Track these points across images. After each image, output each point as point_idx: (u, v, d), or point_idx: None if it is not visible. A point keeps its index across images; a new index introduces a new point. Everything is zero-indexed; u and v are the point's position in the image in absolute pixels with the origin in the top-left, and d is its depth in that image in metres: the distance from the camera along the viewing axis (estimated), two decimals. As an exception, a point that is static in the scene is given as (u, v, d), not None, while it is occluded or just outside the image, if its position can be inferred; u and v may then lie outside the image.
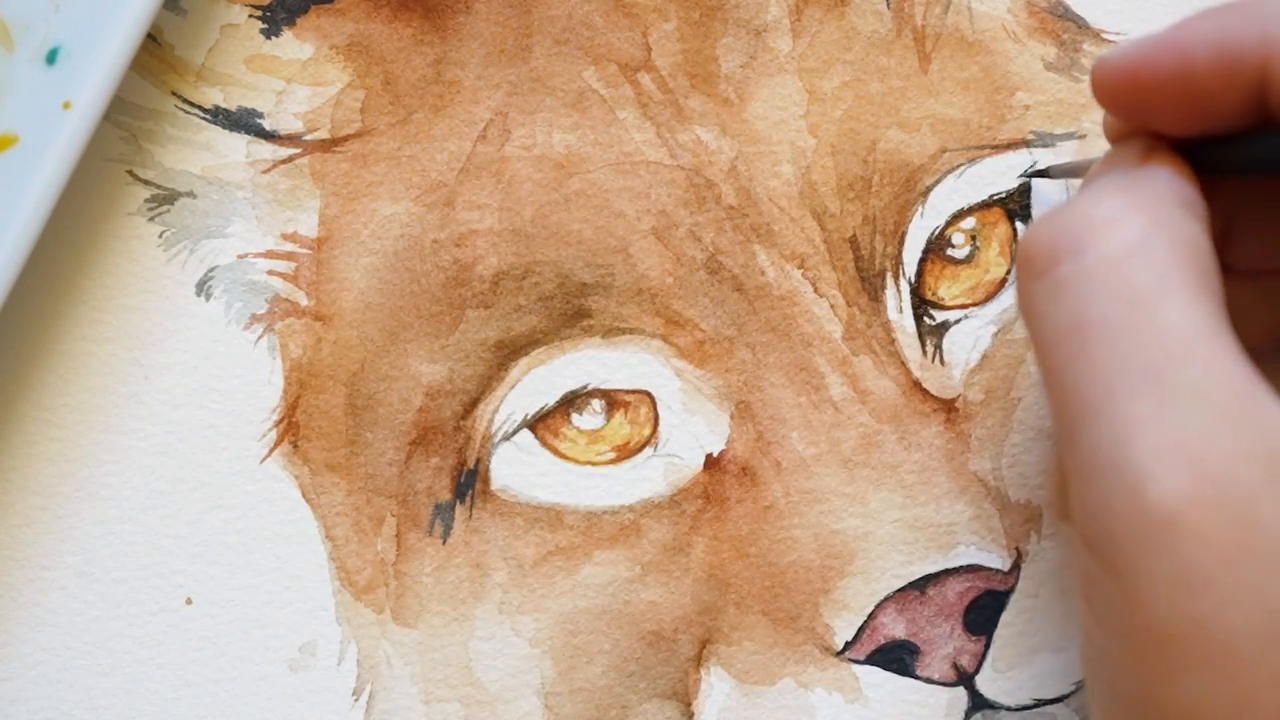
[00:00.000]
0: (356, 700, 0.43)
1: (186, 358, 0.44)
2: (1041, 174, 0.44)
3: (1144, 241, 0.34)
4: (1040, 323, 0.35)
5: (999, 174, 0.45)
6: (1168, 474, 0.32)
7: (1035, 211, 0.45)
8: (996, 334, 0.44)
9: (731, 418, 0.44)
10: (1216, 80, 0.35)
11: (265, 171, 0.44)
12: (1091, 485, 0.33)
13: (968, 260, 0.45)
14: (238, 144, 0.44)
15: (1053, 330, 0.34)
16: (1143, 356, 0.33)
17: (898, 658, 0.43)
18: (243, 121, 0.44)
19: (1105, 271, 0.34)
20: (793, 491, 0.43)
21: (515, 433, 0.44)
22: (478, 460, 0.44)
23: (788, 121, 0.44)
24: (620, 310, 0.44)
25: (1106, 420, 0.33)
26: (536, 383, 0.44)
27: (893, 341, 0.44)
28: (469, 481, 0.44)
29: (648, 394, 0.44)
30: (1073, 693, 0.43)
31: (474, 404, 0.44)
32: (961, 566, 0.43)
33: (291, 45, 0.45)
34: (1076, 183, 0.45)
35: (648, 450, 0.44)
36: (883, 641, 0.43)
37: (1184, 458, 0.32)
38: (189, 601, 0.44)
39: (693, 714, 0.43)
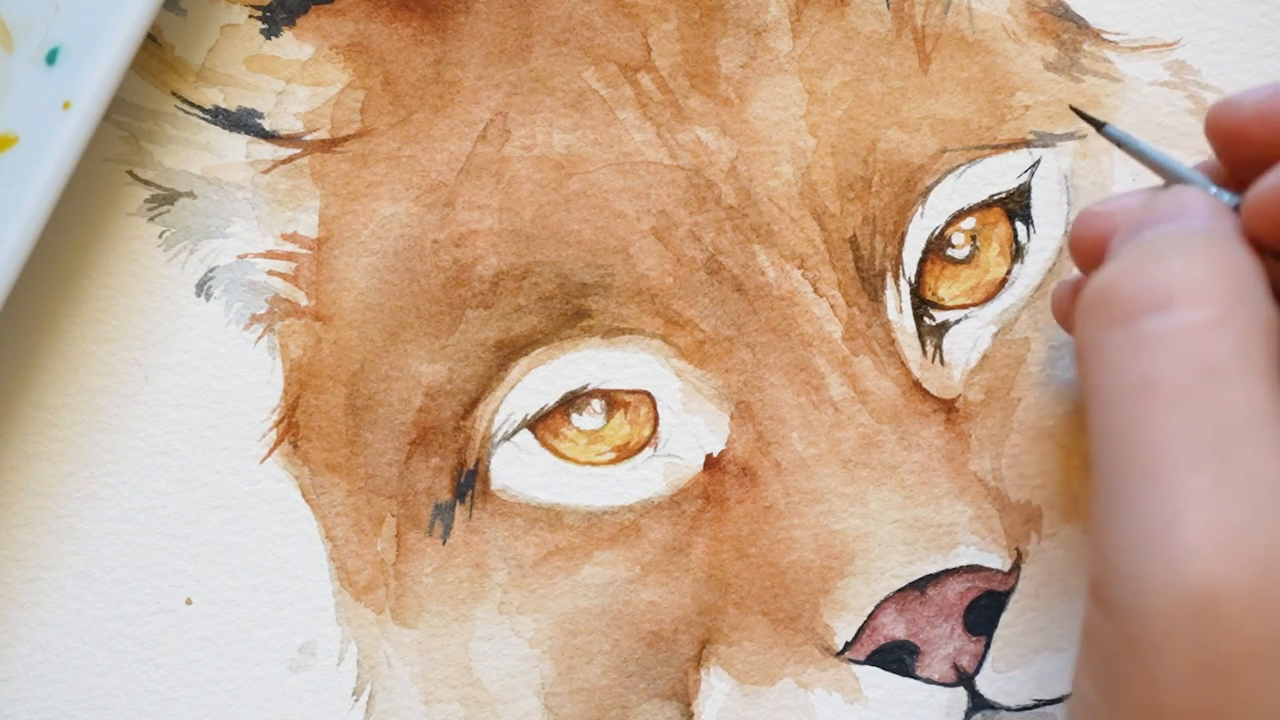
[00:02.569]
0: (356, 700, 0.43)
1: (186, 358, 0.44)
2: (1097, 125, 0.43)
3: (1229, 314, 0.33)
4: (1106, 372, 0.34)
5: (999, 174, 0.45)
6: (1212, 556, 0.31)
7: (1036, 212, 0.45)
8: (996, 334, 0.44)
9: (731, 418, 0.44)
10: None
11: (265, 172, 0.44)
12: (1127, 550, 0.32)
13: (968, 260, 0.45)
14: (238, 144, 0.44)
15: (1120, 383, 0.34)
16: (1208, 431, 0.32)
17: (898, 658, 0.43)
18: (243, 122, 0.44)
19: (1188, 337, 0.33)
20: (793, 492, 0.43)
21: (515, 433, 0.44)
22: (477, 460, 0.44)
23: (788, 121, 0.44)
24: (620, 310, 0.44)
25: (1159, 488, 0.32)
26: (536, 383, 0.44)
27: (893, 341, 0.44)
28: (469, 482, 0.44)
29: (648, 394, 0.44)
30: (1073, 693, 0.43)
31: (474, 404, 0.44)
32: (961, 567, 0.43)
33: (291, 45, 0.45)
34: (1076, 183, 0.45)
35: (648, 450, 0.44)
36: (883, 642, 0.43)
37: (1231, 542, 0.31)
38: (189, 601, 0.44)
39: (693, 714, 0.43)
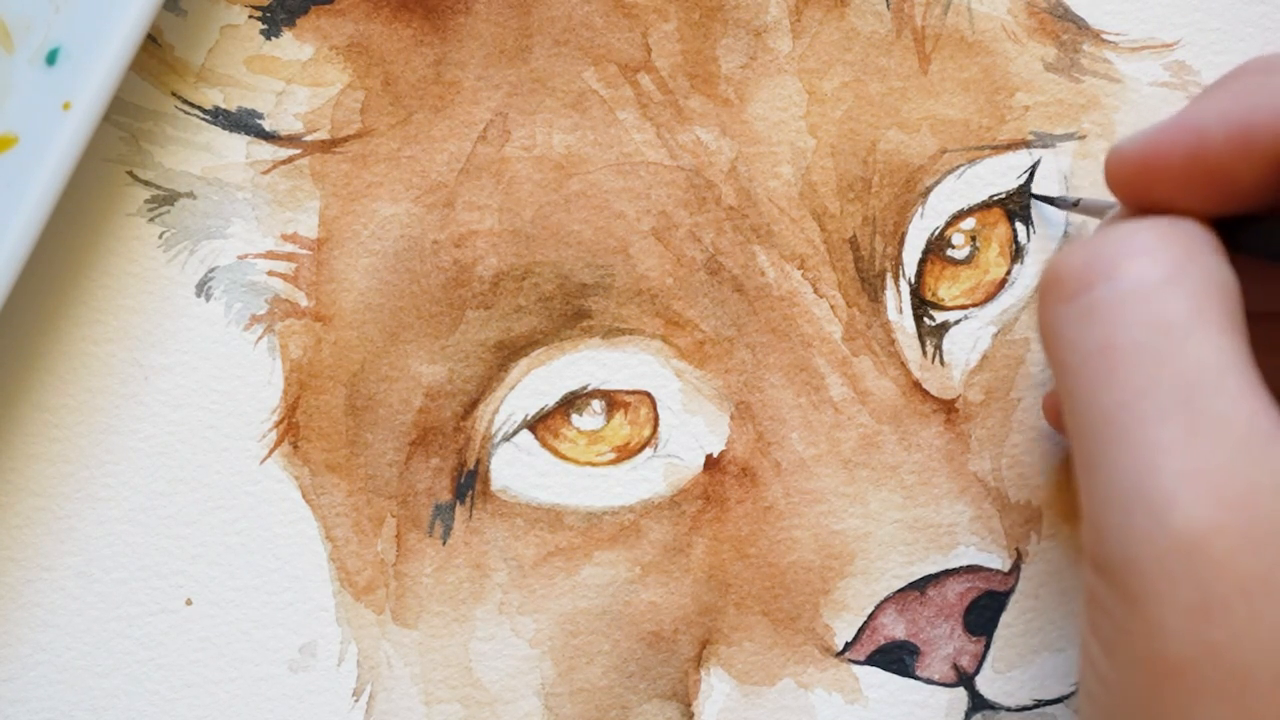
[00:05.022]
0: (356, 701, 0.43)
1: (186, 358, 0.44)
2: (1048, 199, 0.44)
3: (1178, 273, 0.34)
4: (1066, 346, 0.35)
5: (999, 174, 0.45)
6: (1193, 500, 0.32)
7: (1035, 214, 0.45)
8: (996, 334, 0.44)
9: (731, 418, 0.44)
10: (1233, 158, 0.35)
11: (265, 172, 0.44)
12: (1111, 509, 0.33)
13: (967, 261, 0.45)
14: (238, 145, 0.44)
15: (1080, 353, 0.34)
16: (1172, 384, 0.33)
17: (898, 658, 0.43)
18: (243, 122, 0.44)
19: (1139, 299, 0.34)
20: (793, 492, 0.43)
21: (515, 433, 0.44)
22: (478, 461, 0.44)
23: (788, 122, 0.44)
24: (620, 311, 0.44)
25: (1132, 444, 0.33)
26: (536, 383, 0.44)
27: (893, 342, 0.44)
28: (469, 482, 0.44)
29: (648, 394, 0.44)
30: (1073, 693, 0.43)
31: (474, 404, 0.44)
32: (961, 567, 0.43)
33: (291, 46, 0.45)
34: (1076, 184, 0.45)
35: (648, 451, 0.44)
36: (883, 642, 0.43)
37: (1209, 486, 0.32)
38: (189, 602, 0.44)
39: (693, 714, 0.43)
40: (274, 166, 0.44)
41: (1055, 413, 0.43)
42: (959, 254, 0.45)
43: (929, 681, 0.43)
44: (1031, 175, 0.45)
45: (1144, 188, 0.37)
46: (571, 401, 0.44)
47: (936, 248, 0.44)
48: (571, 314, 0.44)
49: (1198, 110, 0.36)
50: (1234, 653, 0.31)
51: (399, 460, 0.44)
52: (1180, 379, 0.33)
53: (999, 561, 0.43)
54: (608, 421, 0.44)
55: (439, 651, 0.43)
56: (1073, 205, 0.44)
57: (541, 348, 0.44)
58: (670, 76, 0.44)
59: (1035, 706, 0.43)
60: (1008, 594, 0.43)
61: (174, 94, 0.44)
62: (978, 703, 0.43)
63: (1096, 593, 0.34)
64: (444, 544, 0.44)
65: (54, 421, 0.44)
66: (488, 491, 0.44)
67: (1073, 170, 0.45)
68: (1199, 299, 0.34)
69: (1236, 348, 0.34)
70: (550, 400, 0.44)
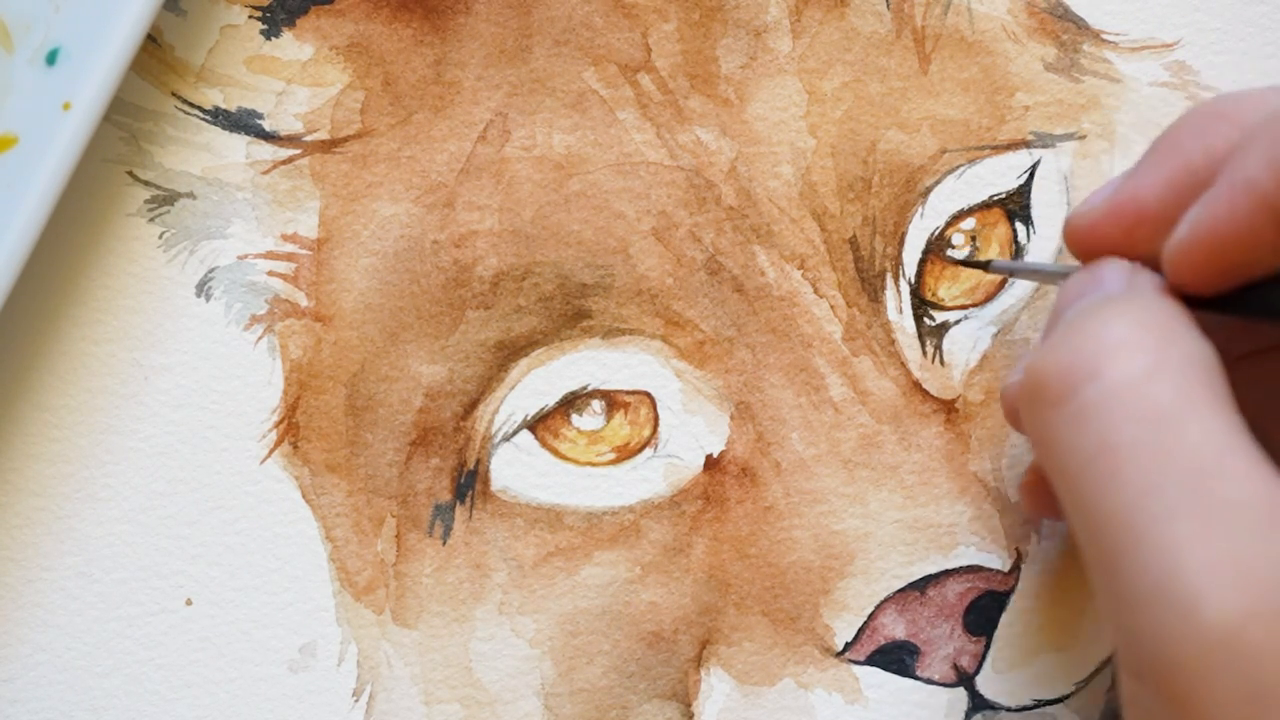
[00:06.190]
0: (356, 701, 0.43)
1: (186, 359, 0.44)
2: (982, 265, 0.44)
3: (1161, 361, 0.34)
4: (1062, 450, 0.34)
5: (999, 175, 0.45)
6: (1221, 592, 0.31)
7: (1035, 213, 0.45)
8: (996, 334, 0.44)
9: (731, 418, 0.44)
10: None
11: (265, 172, 0.44)
12: (1139, 613, 0.32)
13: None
14: (237, 145, 0.44)
15: (1078, 457, 0.34)
16: (1177, 476, 0.32)
17: (898, 658, 0.43)
18: (243, 122, 0.44)
19: (1128, 393, 0.33)
20: (793, 492, 0.43)
21: (515, 433, 0.44)
22: (478, 461, 0.44)
23: (788, 122, 0.44)
24: (620, 311, 0.44)
25: (1149, 544, 0.32)
26: (536, 383, 0.44)
27: (893, 342, 0.44)
28: (469, 482, 0.44)
29: (648, 394, 0.44)
30: (1073, 693, 0.43)
31: (474, 405, 0.44)
32: (961, 567, 0.43)
33: (291, 46, 0.45)
34: (1076, 184, 0.45)
35: (648, 451, 0.44)
36: (883, 642, 0.43)
37: (1235, 573, 0.31)
38: (189, 602, 0.44)
39: (693, 715, 0.43)
40: (274, 166, 0.44)
41: (1035, 493, 0.42)
42: (959, 254, 0.45)
43: (929, 681, 0.43)
44: (1032, 175, 0.45)
45: (1131, 240, 0.37)
46: (571, 401, 0.44)
47: (936, 248, 0.44)
48: (571, 314, 0.44)
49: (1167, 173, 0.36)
50: None
51: (399, 460, 0.44)
52: (1184, 470, 0.32)
53: (999, 561, 0.43)
54: (608, 421, 0.44)
55: (439, 651, 0.43)
56: (983, 267, 0.43)
57: (541, 348, 0.44)
58: (670, 76, 0.44)
59: (1035, 706, 0.43)
60: (1008, 594, 0.43)
61: (174, 94, 0.44)
62: (978, 703, 0.43)
63: (1138, 699, 0.33)
64: (444, 544, 0.44)
65: (54, 421, 0.44)
66: (488, 491, 0.44)
67: (1073, 170, 0.45)
68: (1186, 383, 0.33)
69: (1231, 425, 0.33)
70: (550, 400, 0.44)
